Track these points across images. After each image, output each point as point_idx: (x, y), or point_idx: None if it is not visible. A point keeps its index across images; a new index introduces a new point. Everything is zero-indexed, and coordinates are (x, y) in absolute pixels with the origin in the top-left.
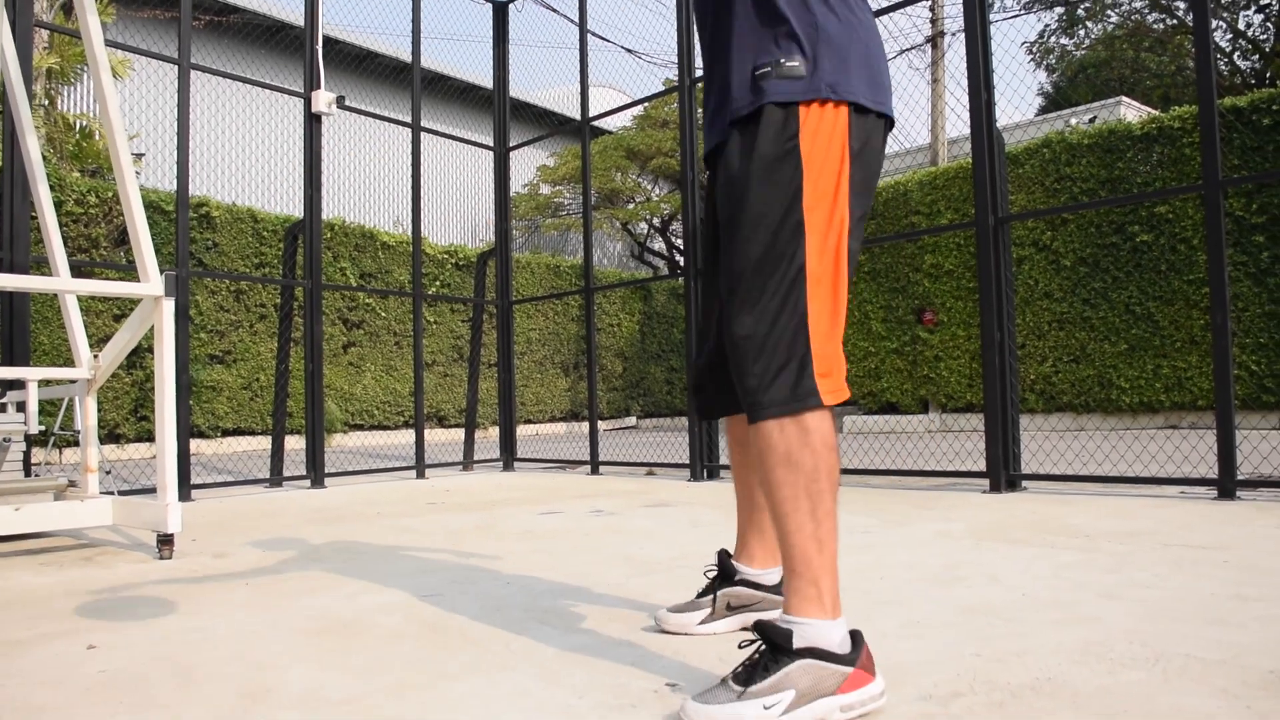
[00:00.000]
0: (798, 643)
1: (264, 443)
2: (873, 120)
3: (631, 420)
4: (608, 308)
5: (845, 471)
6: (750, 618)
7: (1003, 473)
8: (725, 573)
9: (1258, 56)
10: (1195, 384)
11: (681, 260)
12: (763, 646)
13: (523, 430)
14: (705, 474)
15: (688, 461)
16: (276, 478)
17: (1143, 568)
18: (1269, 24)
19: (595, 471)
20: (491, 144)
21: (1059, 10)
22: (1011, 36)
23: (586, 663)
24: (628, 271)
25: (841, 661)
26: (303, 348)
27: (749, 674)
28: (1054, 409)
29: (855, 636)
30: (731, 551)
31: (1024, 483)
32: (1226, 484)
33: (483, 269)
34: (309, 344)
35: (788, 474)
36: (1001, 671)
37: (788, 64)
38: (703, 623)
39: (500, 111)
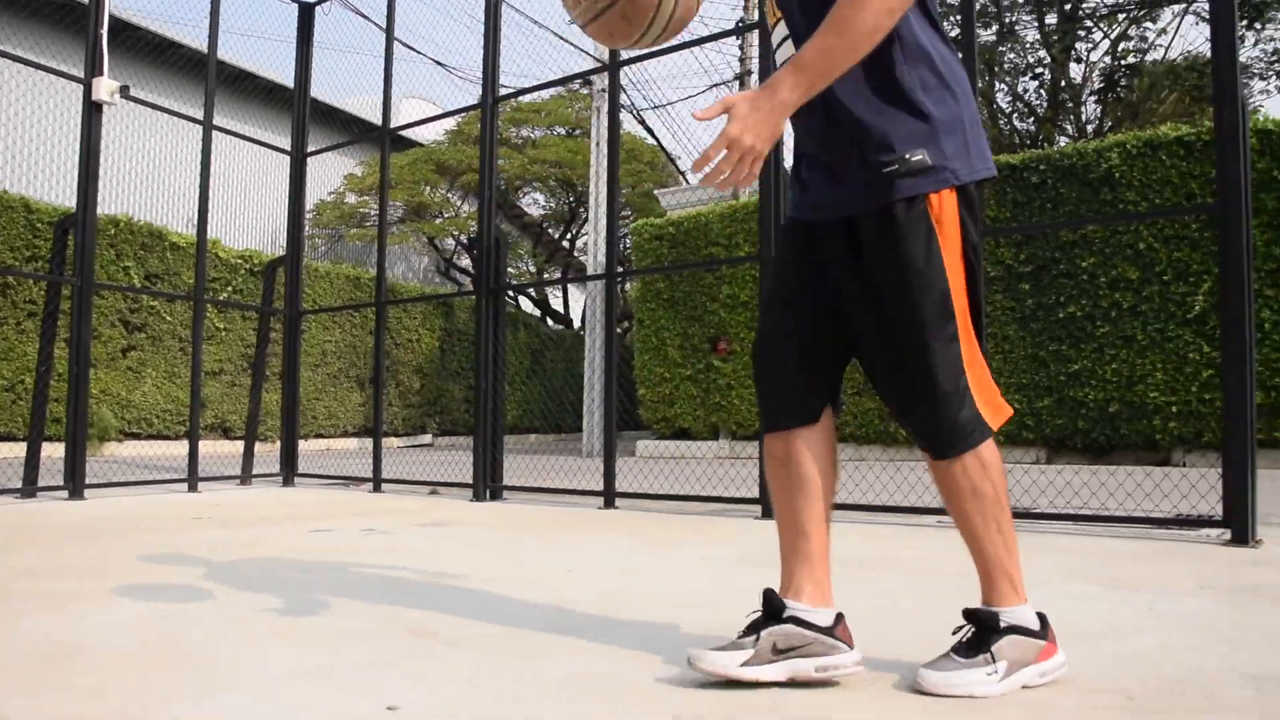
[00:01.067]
0: (1003, 622)
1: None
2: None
3: (428, 438)
4: (408, 323)
5: (624, 495)
6: (801, 666)
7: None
8: (772, 610)
9: (1032, 119)
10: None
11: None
12: (973, 629)
13: (314, 445)
14: (488, 494)
15: (471, 481)
16: (29, 487)
17: (885, 591)
18: (1042, 91)
19: (378, 489)
20: (289, 148)
21: None
22: None
23: (314, 683)
24: (431, 286)
25: (1037, 635)
26: (69, 350)
27: (968, 650)
28: (838, 440)
29: (1042, 618)
30: (776, 589)
31: None
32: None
33: (272, 276)
34: (75, 346)
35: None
36: (735, 696)
37: (913, 159)
38: (745, 664)
39: (300, 115)
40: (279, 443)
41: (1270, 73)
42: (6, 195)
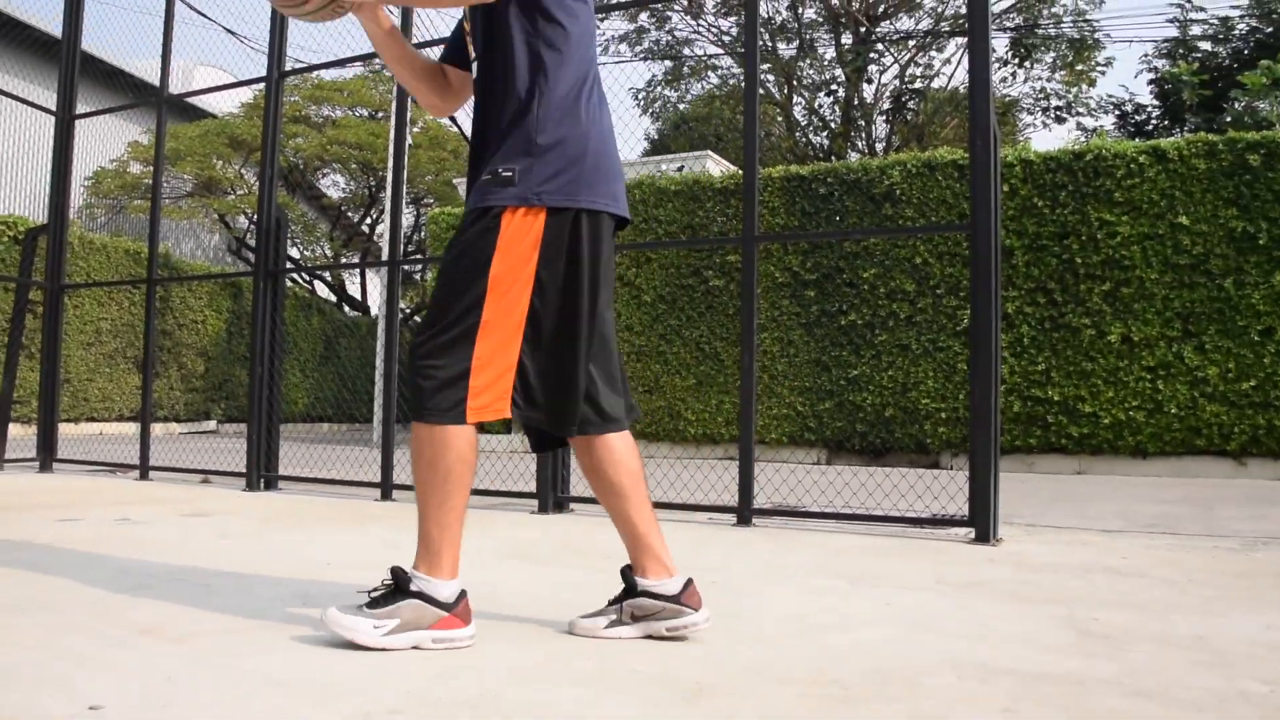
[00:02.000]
0: (412, 586)
1: None
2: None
3: (212, 424)
4: (193, 303)
5: (401, 488)
6: (654, 626)
7: (551, 494)
8: (629, 588)
9: (827, 133)
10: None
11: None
12: (390, 583)
13: (86, 429)
14: (262, 484)
15: (245, 470)
16: None
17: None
18: (837, 107)
19: (145, 477)
20: (54, 109)
21: (667, 63)
22: (618, 83)
23: (12, 680)
24: (221, 266)
25: (441, 606)
26: None
27: (375, 602)
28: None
29: (461, 595)
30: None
31: (572, 505)
32: (744, 512)
33: (32, 246)
34: None
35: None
36: (445, 688)
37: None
38: (609, 627)
39: (67, 71)
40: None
41: (1037, 109)
42: None
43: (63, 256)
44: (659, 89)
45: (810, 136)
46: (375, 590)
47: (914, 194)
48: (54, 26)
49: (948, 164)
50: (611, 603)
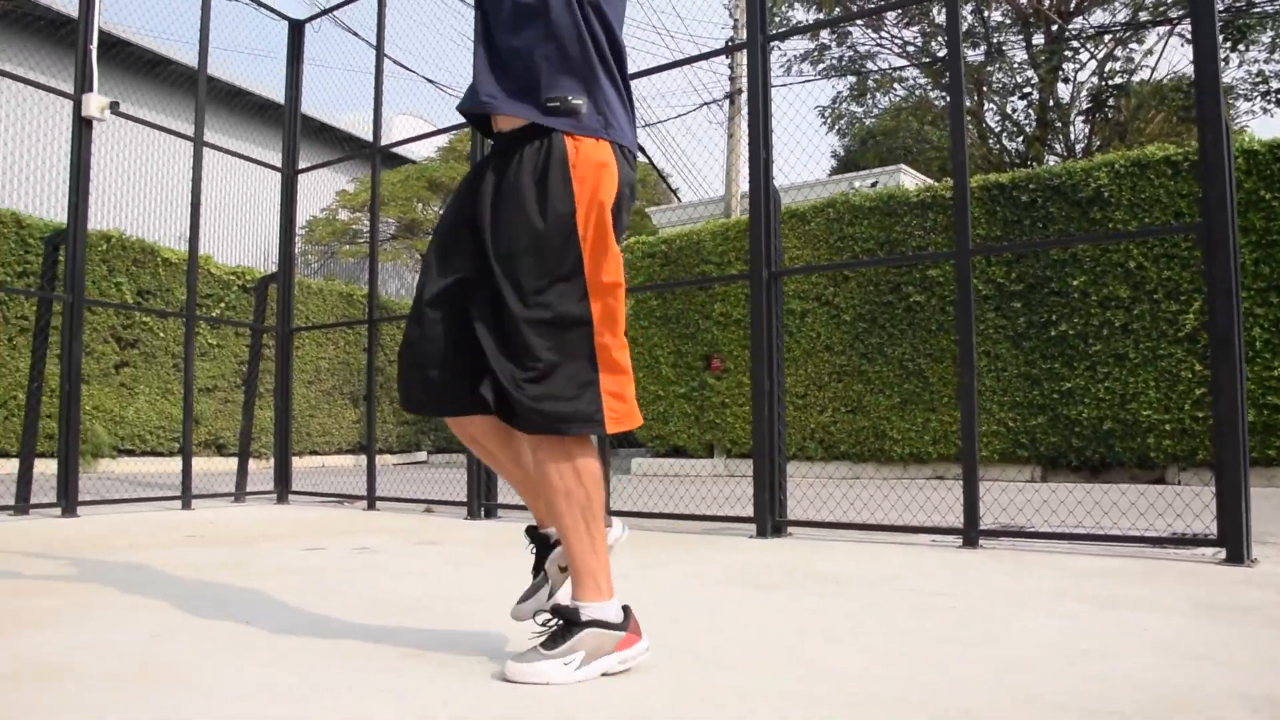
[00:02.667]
0: (583, 617)
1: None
2: None
3: (423, 455)
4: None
5: (619, 513)
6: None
7: (769, 518)
8: (542, 542)
9: (1021, 139)
10: (959, 437)
11: None
12: (558, 621)
13: (308, 462)
14: (483, 513)
15: (465, 500)
16: (22, 505)
17: (875, 612)
18: (1030, 111)
19: (372, 507)
20: (280, 165)
21: (851, 79)
22: (803, 102)
23: (301, 703)
24: None
25: (616, 628)
26: (61, 367)
27: (550, 642)
28: (833, 457)
29: (625, 610)
30: (536, 525)
31: (789, 528)
32: (970, 533)
33: (263, 293)
34: (66, 363)
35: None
36: (700, 713)
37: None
38: (551, 595)
39: (290, 132)
40: (272, 460)
41: (1255, 94)
42: None
43: (291, 301)
44: (844, 105)
45: (1004, 143)
46: (542, 632)
47: (1124, 196)
48: (270, 91)
49: (1160, 161)
50: (536, 574)
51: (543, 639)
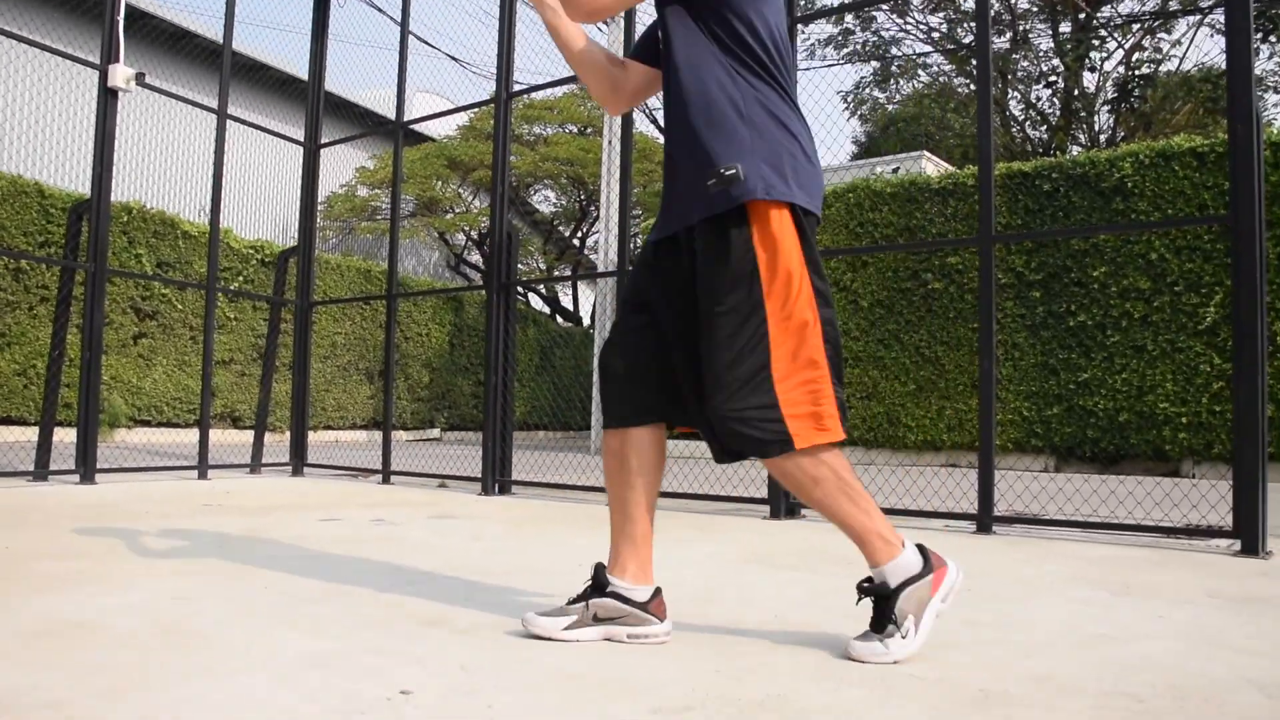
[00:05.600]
0: (894, 582)
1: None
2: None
3: (436, 432)
4: (418, 317)
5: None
6: (616, 631)
7: (783, 500)
8: (598, 584)
9: (1045, 128)
10: (974, 425)
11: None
12: (874, 602)
13: (323, 436)
14: (496, 489)
15: (479, 475)
16: (41, 471)
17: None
18: (1055, 100)
19: (387, 481)
20: (302, 139)
21: (875, 64)
22: (828, 85)
23: (327, 667)
24: (441, 281)
25: (923, 574)
26: (82, 335)
27: (878, 623)
28: (846, 443)
29: (921, 549)
30: (606, 564)
31: (803, 511)
32: (984, 519)
33: (283, 267)
34: (87, 332)
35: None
36: (736, 687)
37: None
38: (568, 629)
39: (314, 107)
40: (288, 433)
41: None
42: (20, 180)
43: (311, 275)
44: (867, 90)
45: (1028, 131)
46: (878, 609)
47: (1147, 186)
48: (291, 66)
49: (1185, 153)
50: (573, 601)
51: (870, 622)
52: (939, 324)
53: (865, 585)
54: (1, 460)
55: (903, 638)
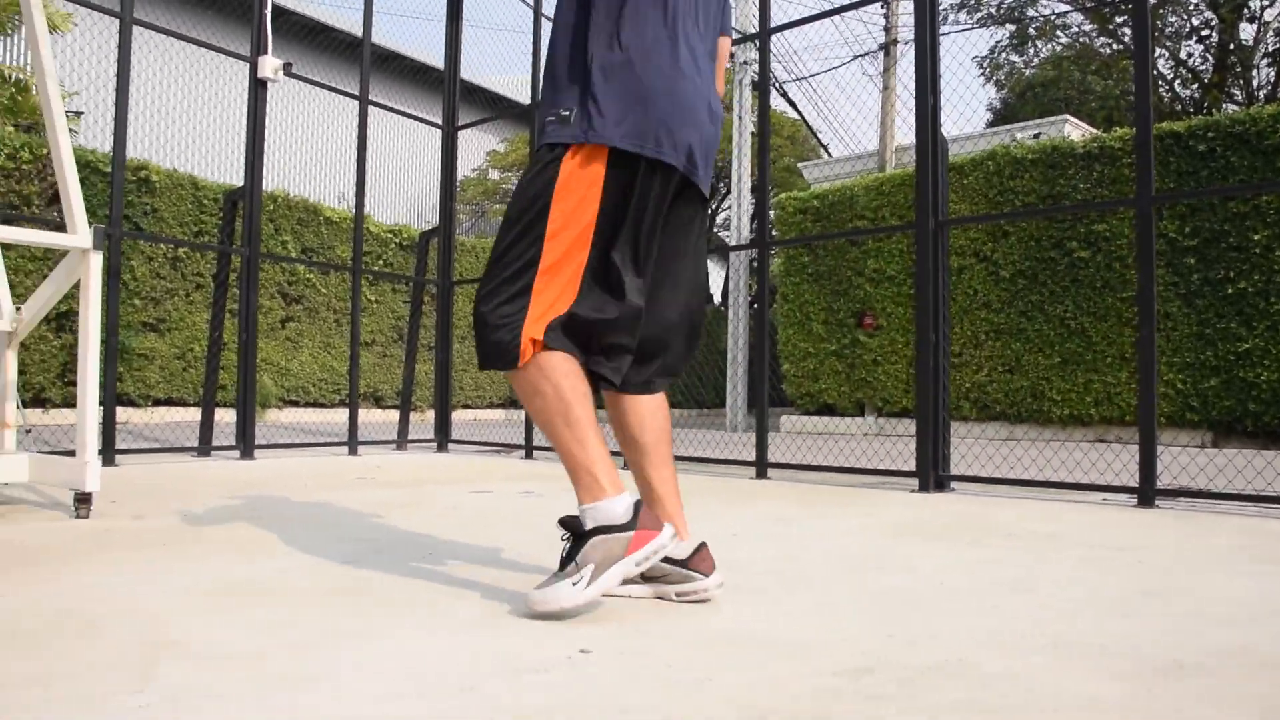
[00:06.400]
0: (588, 524)
1: (195, 414)
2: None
3: None
4: None
5: (776, 466)
6: (664, 589)
7: (931, 473)
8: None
9: (1197, 86)
10: (1124, 399)
11: None
12: (569, 540)
13: (460, 415)
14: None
15: (618, 450)
16: (205, 447)
17: (1058, 565)
18: (1208, 55)
19: (530, 456)
20: (440, 122)
21: (1010, 27)
22: (961, 51)
23: (501, 627)
24: None
25: (623, 529)
26: (238, 318)
27: (564, 562)
28: (987, 418)
29: (636, 506)
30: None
31: (952, 484)
32: (1147, 491)
33: (425, 247)
34: (244, 314)
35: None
36: (910, 652)
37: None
38: (620, 583)
39: (450, 89)
40: (430, 411)
41: None
42: (176, 174)
43: (452, 255)
44: (1003, 55)
45: (1176, 90)
46: (562, 553)
47: None
48: (423, 54)
49: None
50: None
51: (561, 560)
52: (1085, 294)
53: (564, 519)
54: (166, 437)
55: (573, 584)
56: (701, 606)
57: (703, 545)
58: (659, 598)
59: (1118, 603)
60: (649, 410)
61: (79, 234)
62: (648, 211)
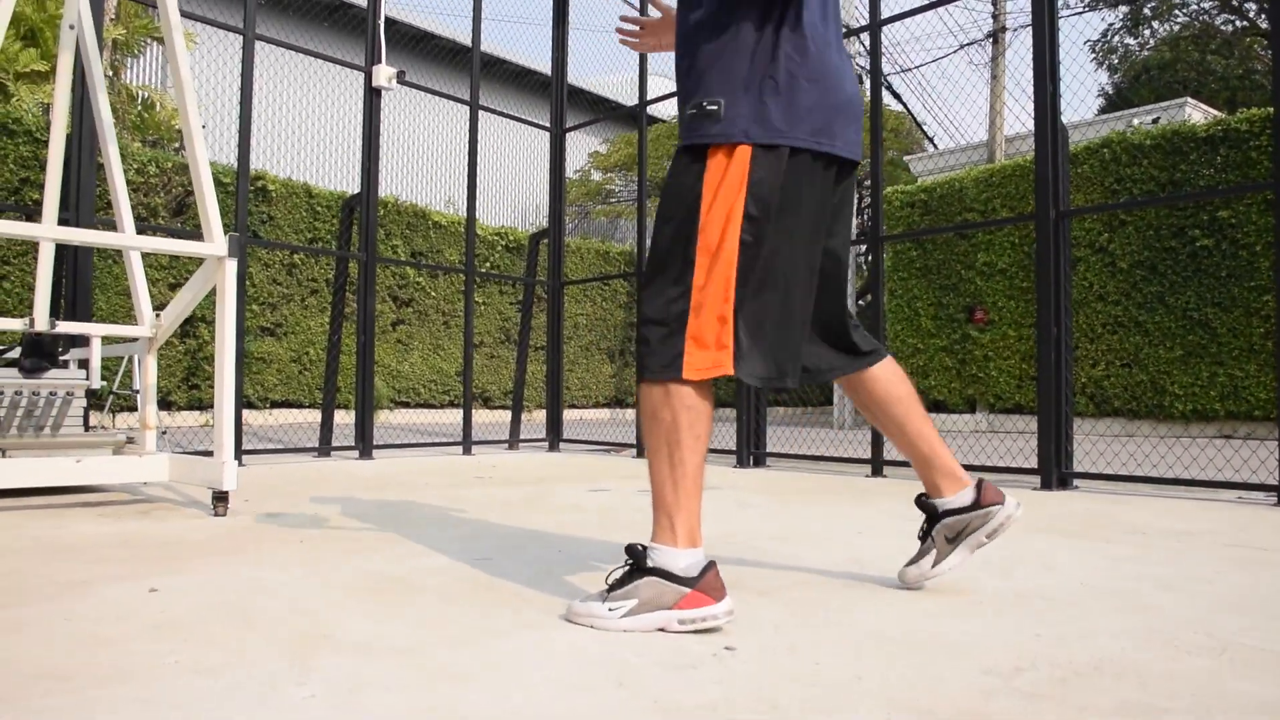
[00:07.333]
0: (650, 563)
1: (310, 415)
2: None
3: None
4: None
5: (892, 464)
6: (975, 539)
7: (1054, 470)
8: (930, 514)
9: None
10: (1252, 393)
11: None
12: (628, 565)
13: (568, 415)
14: (751, 461)
15: (734, 448)
16: (325, 447)
17: (1201, 564)
18: None
19: (641, 455)
20: (548, 125)
21: (1124, 9)
22: (1074, 36)
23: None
24: None
25: (681, 583)
26: (354, 321)
27: (614, 585)
28: (1105, 413)
29: (706, 570)
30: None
31: (1075, 481)
32: None
33: (535, 249)
34: (361, 317)
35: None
36: (1063, 652)
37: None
38: (935, 564)
39: (558, 92)
40: (539, 411)
41: None
42: (291, 182)
43: (562, 255)
44: (1117, 38)
45: None
46: (615, 570)
47: None
48: (526, 59)
49: None
50: (923, 540)
51: (611, 579)
52: (1208, 284)
53: (630, 546)
54: (284, 438)
55: (609, 609)
56: (842, 606)
57: (980, 480)
58: (977, 549)
59: (1270, 602)
60: (888, 380)
61: (215, 242)
62: (822, 205)
